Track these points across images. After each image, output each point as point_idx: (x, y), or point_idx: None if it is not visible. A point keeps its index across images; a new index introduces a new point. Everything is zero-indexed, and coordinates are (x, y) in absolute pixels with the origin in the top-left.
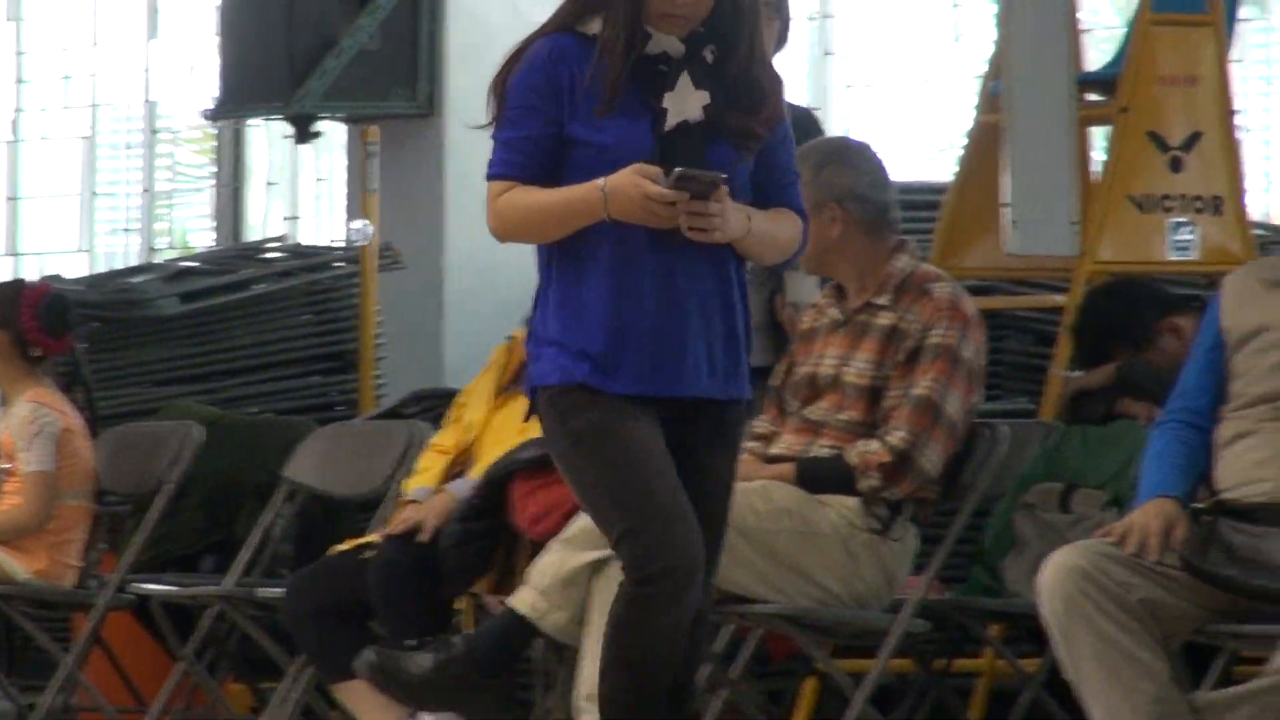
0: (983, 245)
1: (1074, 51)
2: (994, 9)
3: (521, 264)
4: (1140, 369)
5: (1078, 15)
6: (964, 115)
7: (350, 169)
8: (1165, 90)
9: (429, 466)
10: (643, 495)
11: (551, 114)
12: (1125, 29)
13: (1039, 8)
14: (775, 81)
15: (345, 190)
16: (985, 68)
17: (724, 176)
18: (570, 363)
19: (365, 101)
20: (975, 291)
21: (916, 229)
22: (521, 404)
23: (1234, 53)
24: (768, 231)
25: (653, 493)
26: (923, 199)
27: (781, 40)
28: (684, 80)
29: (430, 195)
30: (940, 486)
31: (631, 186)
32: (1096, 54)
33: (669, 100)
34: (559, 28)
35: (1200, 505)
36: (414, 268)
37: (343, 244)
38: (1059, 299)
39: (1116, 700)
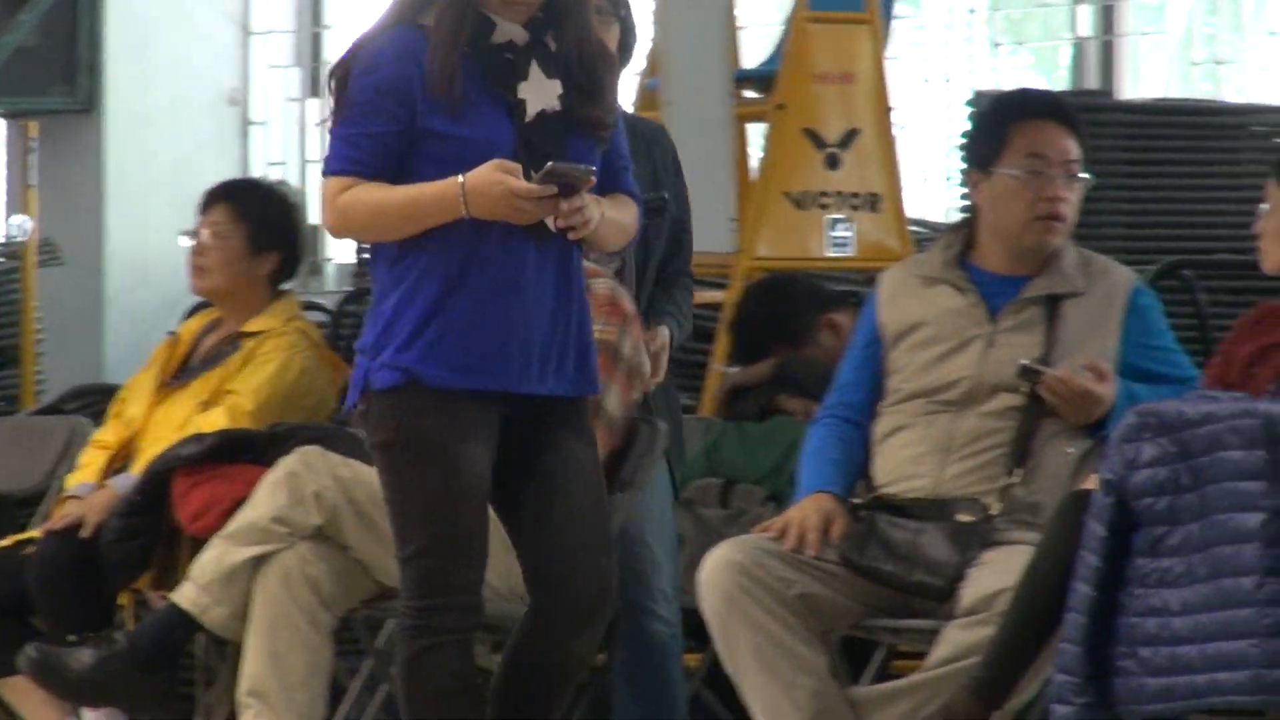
0: None
1: (731, 48)
2: (651, 5)
3: (178, 261)
4: (798, 365)
5: (734, 12)
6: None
7: (9, 164)
8: (822, 88)
9: (90, 462)
10: (447, 521)
11: (396, 112)
12: (782, 26)
13: (696, 4)
14: (613, 66)
15: (4, 186)
16: (643, 64)
17: (594, 170)
18: (412, 363)
19: (24, 97)
20: None
21: None
22: (183, 399)
23: (889, 50)
24: (615, 219)
25: (458, 520)
26: None
27: (625, 49)
28: (535, 69)
29: (89, 191)
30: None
31: (495, 183)
32: (754, 51)
33: (525, 90)
34: (399, 21)
35: (858, 501)
36: (73, 264)
37: (2, 239)
38: (717, 295)
39: (775, 695)
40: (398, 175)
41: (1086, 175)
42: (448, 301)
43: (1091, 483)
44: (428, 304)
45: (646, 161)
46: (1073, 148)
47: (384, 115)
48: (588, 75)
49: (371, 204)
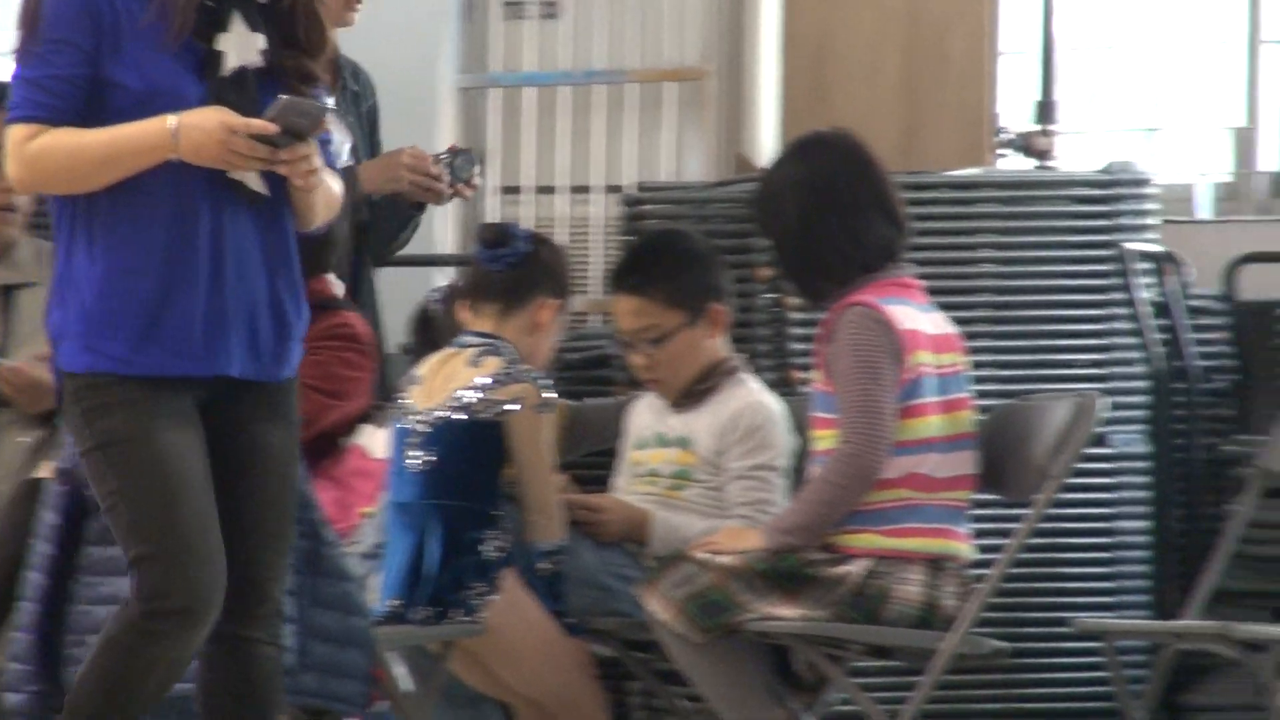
0: None
1: None
2: None
3: None
4: None
5: None
6: None
7: None
8: None
9: None
10: (166, 521)
11: (87, 49)
12: None
13: None
14: (321, 21)
15: None
16: None
17: (330, 105)
18: (100, 343)
19: None
20: None
21: None
22: None
23: None
24: (327, 187)
25: (178, 519)
26: None
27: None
28: (238, 20)
29: None
30: None
31: (212, 119)
32: None
33: (224, 42)
34: None
35: None
36: None
37: None
38: None
39: None
40: (84, 125)
41: None
42: (143, 275)
43: (46, 471)
44: (124, 278)
45: None
46: None
47: (73, 53)
48: (309, 30)
49: (68, 148)
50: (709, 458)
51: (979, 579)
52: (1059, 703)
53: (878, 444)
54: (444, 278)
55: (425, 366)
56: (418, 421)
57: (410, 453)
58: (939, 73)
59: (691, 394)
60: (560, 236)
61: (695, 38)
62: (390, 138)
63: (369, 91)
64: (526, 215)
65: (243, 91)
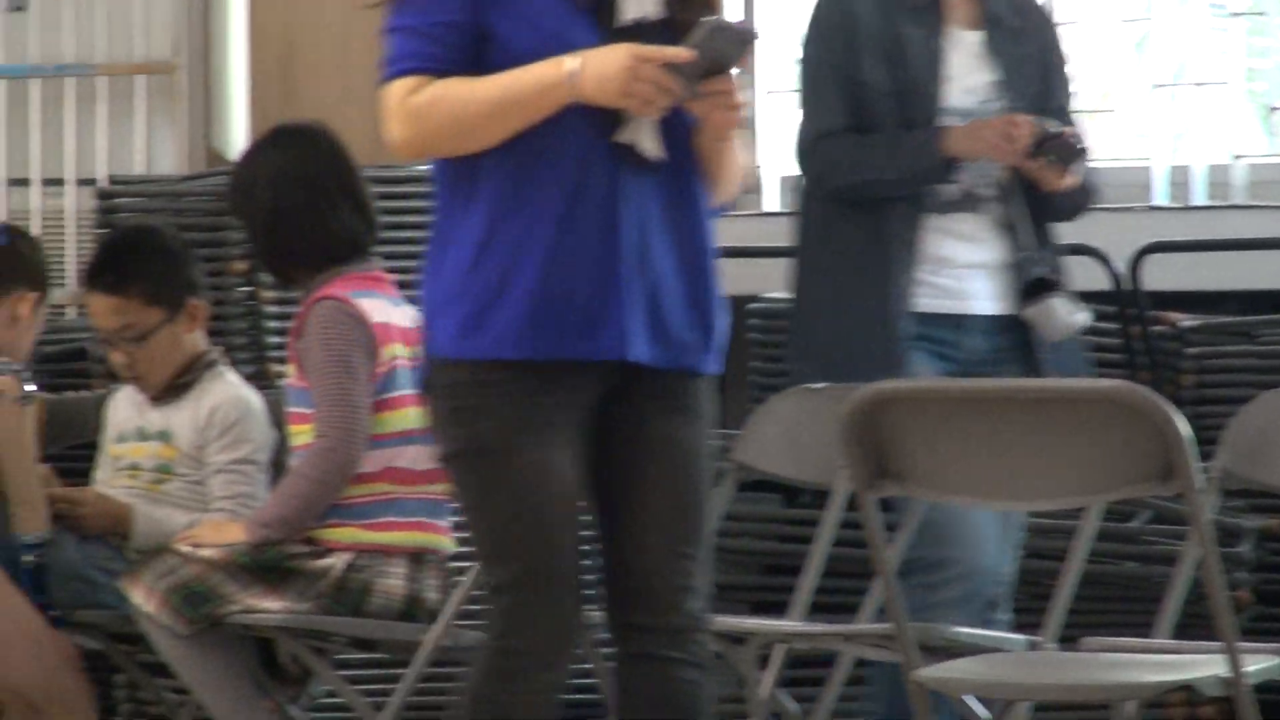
0: None
1: None
2: None
3: None
4: None
5: None
6: None
7: None
8: None
9: None
10: (530, 550)
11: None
12: None
13: None
14: None
15: None
16: None
17: (757, 33)
18: (484, 322)
19: None
20: None
21: None
22: None
23: None
24: (734, 153)
25: (543, 549)
26: None
27: None
28: None
29: None
30: None
31: (618, 48)
32: None
33: None
34: None
35: None
36: None
37: None
38: None
39: None
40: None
41: None
42: (531, 248)
43: None
44: (509, 251)
45: None
46: None
47: (453, 1)
48: None
49: (456, 99)
50: (190, 451)
51: (461, 572)
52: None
53: (353, 438)
54: None
55: None
56: None
57: None
58: None
59: (171, 388)
60: (35, 229)
61: (164, 32)
62: None
63: None
64: None
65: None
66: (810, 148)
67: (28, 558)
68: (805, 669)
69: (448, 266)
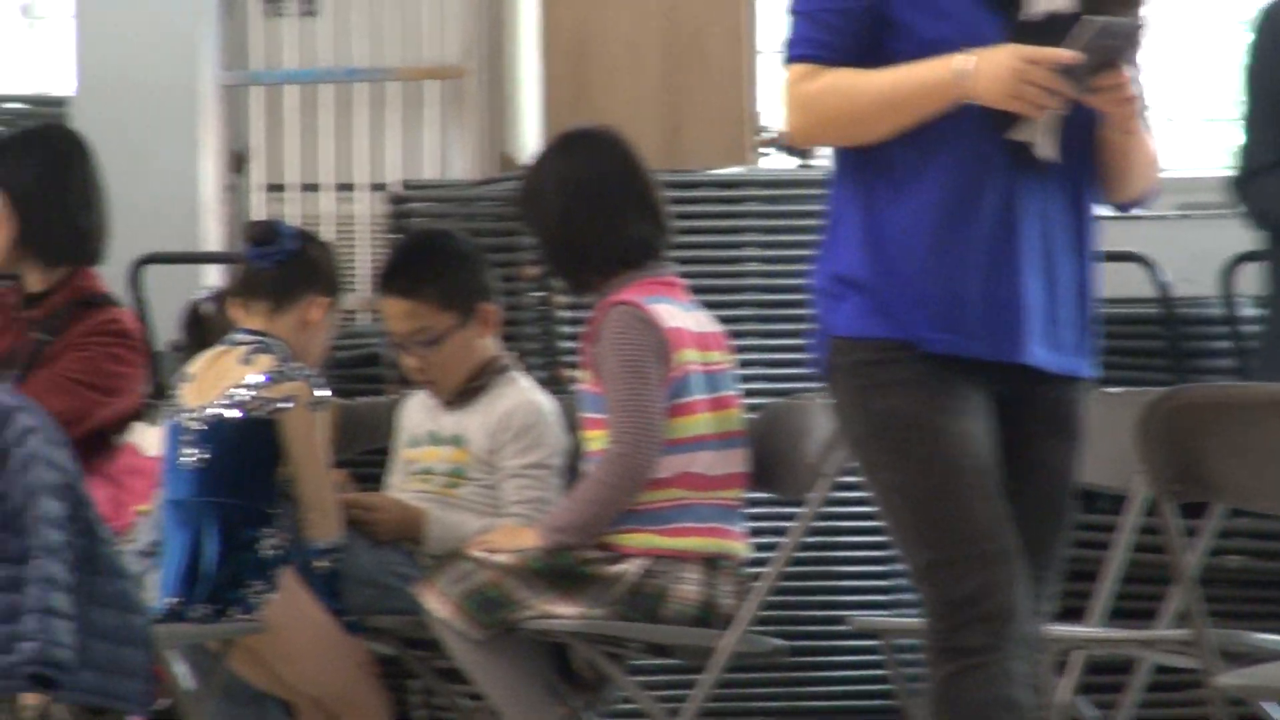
0: None
1: None
2: None
3: None
4: None
5: None
6: None
7: None
8: None
9: None
10: (959, 523)
11: None
12: None
13: None
14: None
15: None
16: None
17: (1144, 23)
18: (881, 311)
19: None
20: None
21: None
22: None
23: None
24: (1144, 143)
25: (973, 521)
26: None
27: None
28: None
29: None
30: None
31: (1004, 49)
32: None
33: None
34: None
35: None
36: None
37: None
38: None
39: None
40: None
41: None
42: (938, 237)
43: None
44: (915, 238)
45: None
46: None
47: None
48: None
49: (845, 89)
50: (482, 456)
51: (755, 577)
52: (839, 700)
53: (647, 443)
54: (212, 275)
55: (197, 364)
56: (190, 419)
57: (184, 450)
58: (698, 72)
59: (464, 393)
60: (326, 234)
61: (455, 36)
62: (153, 135)
63: None
64: (291, 213)
65: (1051, 40)
66: (1244, 184)
67: (321, 564)
68: (1104, 675)
69: (840, 249)
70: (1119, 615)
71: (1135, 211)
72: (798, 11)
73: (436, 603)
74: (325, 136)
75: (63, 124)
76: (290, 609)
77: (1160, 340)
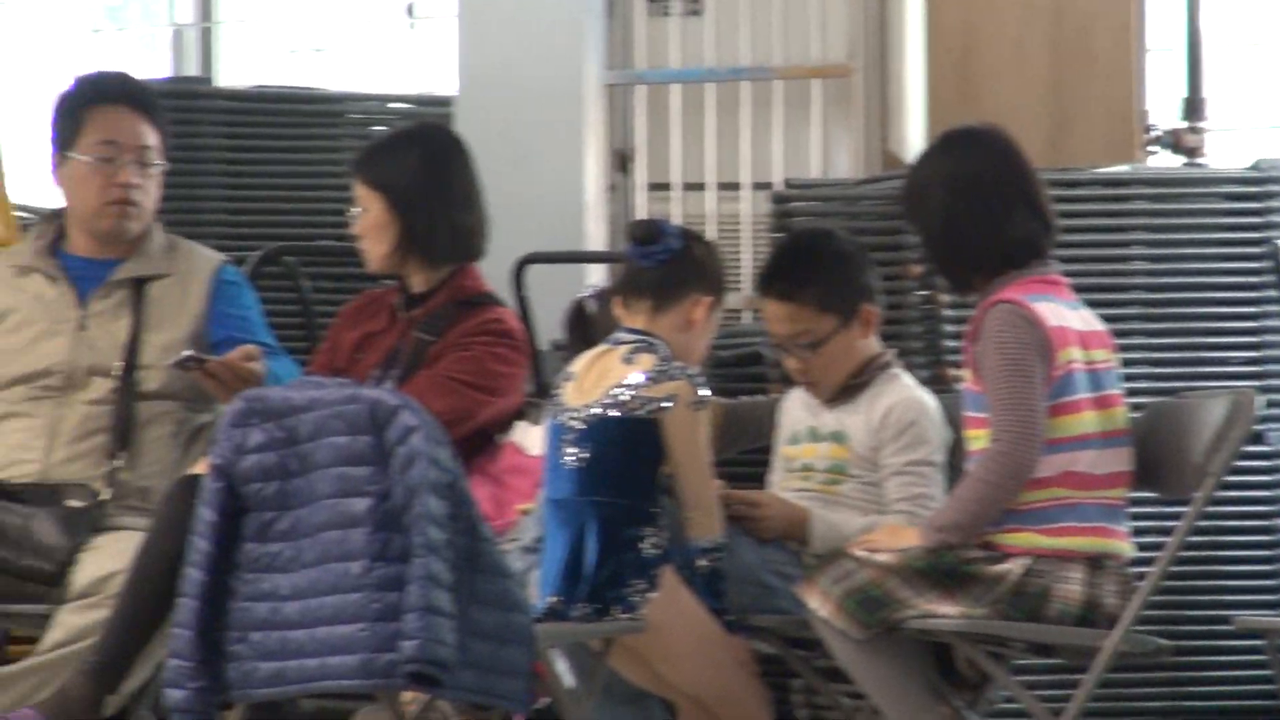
0: None
1: None
2: None
3: None
4: None
5: None
6: None
7: None
8: None
9: None
10: None
11: None
12: None
13: None
14: None
15: None
16: None
17: None
18: None
19: None
20: None
21: None
22: None
23: None
24: None
25: None
26: None
27: None
28: None
29: None
30: None
31: None
32: None
33: None
34: None
35: None
36: None
37: None
38: None
39: None
40: None
41: (161, 163)
42: None
43: (201, 467)
44: None
45: None
46: (146, 133)
47: None
48: None
49: None
50: (864, 453)
51: (1139, 577)
52: (1222, 700)
53: (1029, 442)
54: (595, 274)
55: (579, 363)
56: (572, 418)
57: (566, 449)
58: (1085, 69)
59: (845, 390)
60: (710, 233)
61: (840, 35)
62: (537, 135)
63: None
64: (675, 212)
65: None
66: None
67: (702, 563)
68: None
69: None
70: None
71: None
72: None
73: (818, 602)
74: (709, 135)
75: (439, 123)
76: (671, 608)
77: None
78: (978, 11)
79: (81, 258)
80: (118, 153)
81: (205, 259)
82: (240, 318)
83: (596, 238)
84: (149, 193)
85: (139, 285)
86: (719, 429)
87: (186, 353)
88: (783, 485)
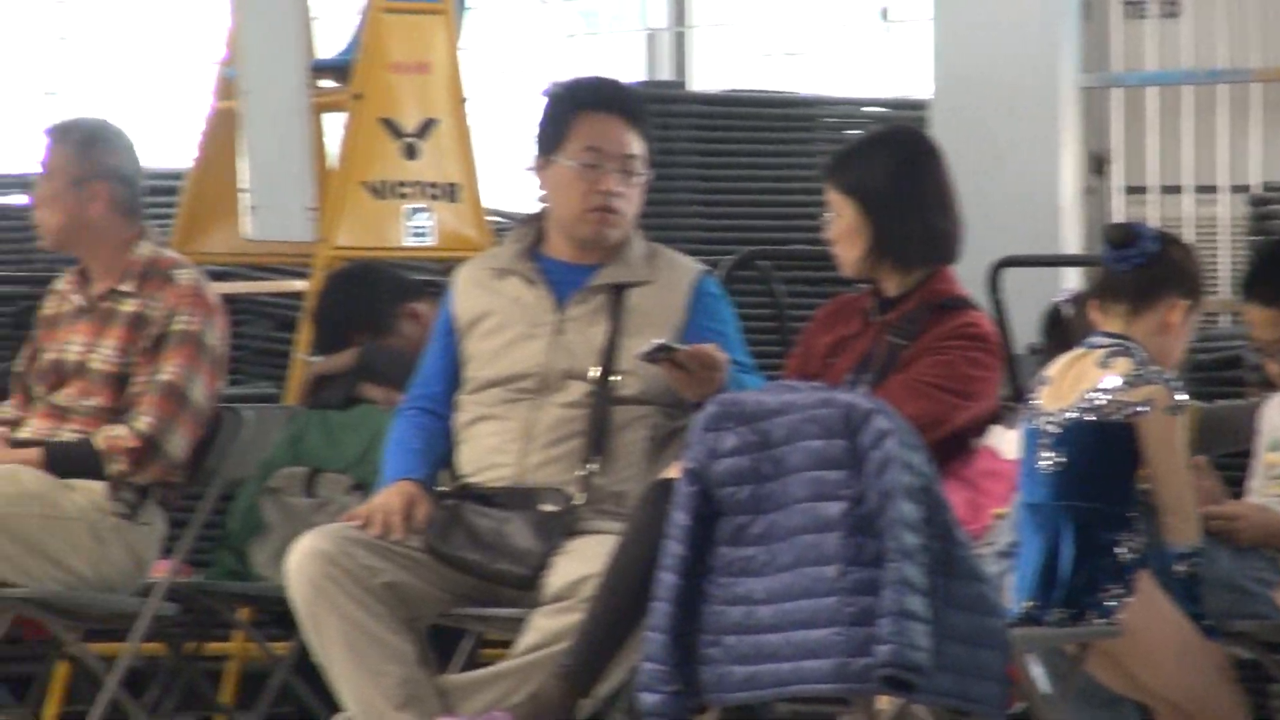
0: (223, 230)
1: (306, 37)
2: None
3: None
4: (379, 354)
5: (309, 1)
6: (203, 100)
7: None
8: (397, 77)
9: None
10: None
11: None
12: (359, 16)
13: None
14: None
15: None
16: (223, 52)
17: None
18: None
19: None
20: (216, 277)
21: (156, 214)
22: None
23: (463, 41)
24: None
25: None
26: (162, 184)
27: None
28: None
29: None
30: (186, 471)
31: None
32: (332, 41)
33: None
34: None
35: (444, 489)
36: None
37: None
38: (299, 284)
39: (364, 682)
40: None
41: (645, 172)
42: None
43: (674, 471)
44: None
45: None
46: (632, 142)
47: None
48: None
49: None
50: None
51: None
52: None
53: None
54: (1071, 278)
55: (1054, 367)
56: (1048, 422)
57: (1041, 454)
58: None
59: None
60: (1186, 236)
61: None
62: (1012, 135)
63: None
64: (1152, 215)
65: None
66: None
67: (1179, 567)
68: None
69: None
70: None
71: None
72: None
73: None
74: (1185, 138)
75: (910, 127)
76: (1148, 613)
77: None
78: None
79: (560, 261)
80: (603, 160)
81: (686, 269)
82: (718, 332)
83: (1072, 241)
84: (631, 201)
85: (618, 291)
86: (1196, 433)
87: (657, 341)
88: (1262, 492)
